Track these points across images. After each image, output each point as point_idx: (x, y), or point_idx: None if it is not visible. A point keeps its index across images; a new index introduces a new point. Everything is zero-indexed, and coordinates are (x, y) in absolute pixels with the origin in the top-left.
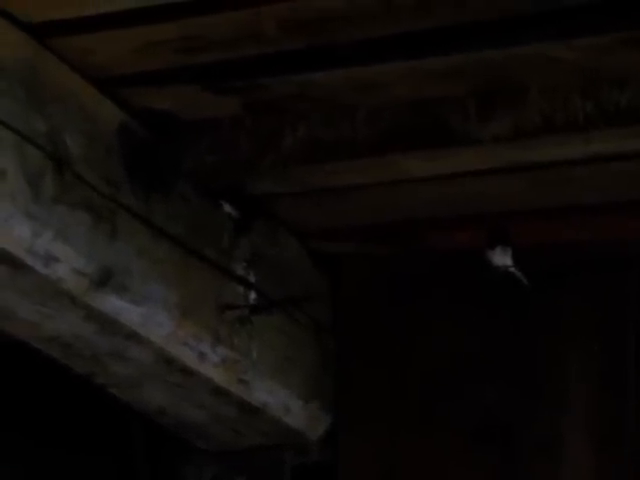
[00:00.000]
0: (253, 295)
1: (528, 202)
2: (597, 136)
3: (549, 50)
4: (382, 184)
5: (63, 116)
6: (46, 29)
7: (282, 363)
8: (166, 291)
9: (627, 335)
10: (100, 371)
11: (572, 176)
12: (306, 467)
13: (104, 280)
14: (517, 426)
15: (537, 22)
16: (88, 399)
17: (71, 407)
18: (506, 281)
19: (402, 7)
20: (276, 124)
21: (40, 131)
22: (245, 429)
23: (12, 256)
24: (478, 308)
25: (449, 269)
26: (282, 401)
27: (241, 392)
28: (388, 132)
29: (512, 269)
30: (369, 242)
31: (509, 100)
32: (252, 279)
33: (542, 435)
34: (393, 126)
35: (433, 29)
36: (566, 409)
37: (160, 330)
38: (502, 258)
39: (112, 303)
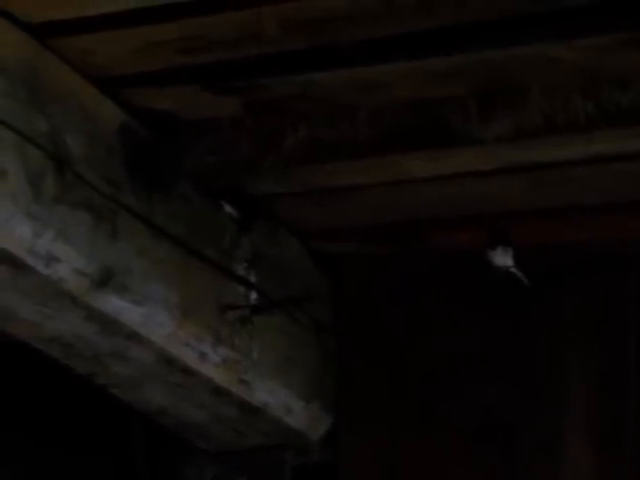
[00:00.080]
0: (254, 295)
1: (529, 202)
2: (598, 136)
3: (550, 50)
4: (383, 184)
5: (64, 116)
6: (47, 29)
7: (283, 363)
8: (167, 291)
9: (627, 335)
10: (101, 371)
11: (573, 176)
12: (307, 467)
13: (105, 280)
14: (517, 426)
15: (537, 22)
16: (89, 399)
17: (72, 407)
18: (507, 281)
19: (403, 7)
20: (277, 124)
21: (41, 131)
22: (246, 429)
23: (13, 256)
24: (479, 308)
25: (450, 269)
26: (283, 401)
27: (242, 392)
28: (389, 132)
29: (513, 269)
30: (370, 242)
31: (510, 100)
32: (253, 279)
33: (542, 435)
34: (394, 126)
35: (434, 29)
36: (566, 409)
37: (161, 330)
38: (503, 258)
39: (113, 303)
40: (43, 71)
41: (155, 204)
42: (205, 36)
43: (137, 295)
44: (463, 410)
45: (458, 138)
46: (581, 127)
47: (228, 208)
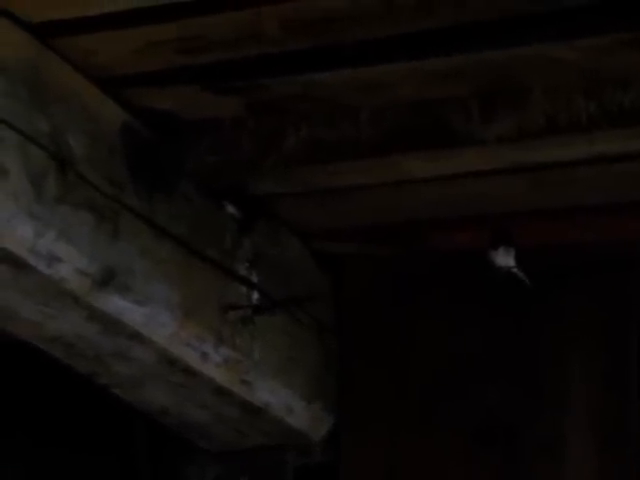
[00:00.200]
0: (256, 295)
1: (531, 203)
2: (600, 137)
3: (551, 51)
4: (385, 185)
5: (66, 116)
6: (48, 29)
7: (284, 363)
8: (169, 291)
9: (630, 335)
10: (103, 371)
11: (575, 177)
12: (308, 468)
13: (107, 280)
14: (519, 426)
15: (537, 22)
16: (91, 399)
17: (74, 407)
18: (509, 281)
19: (403, 7)
20: (278, 124)
21: (43, 131)
22: (247, 429)
23: (15, 256)
24: (480, 308)
25: (451, 269)
26: (284, 401)
27: (243, 392)
28: (391, 133)
29: (514, 269)
30: (371, 242)
31: (512, 101)
32: (255, 279)
33: (544, 435)
34: (395, 126)
35: (434, 29)
36: (569, 409)
37: (163, 330)
38: (505, 258)
39: (115, 303)
40: (45, 71)
41: (157, 204)
42: (205, 36)
43: (139, 295)
44: (465, 410)
45: (460, 138)
46: (583, 127)
47: (231, 208)
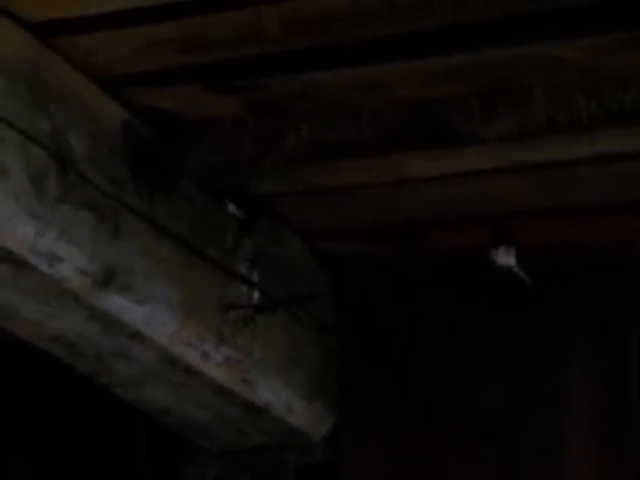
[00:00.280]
0: (256, 295)
1: (532, 202)
2: (601, 136)
3: (552, 50)
4: (385, 184)
5: (66, 115)
6: (48, 28)
7: (285, 363)
8: (169, 291)
9: (631, 335)
10: (103, 371)
11: (576, 176)
12: (309, 467)
13: (107, 279)
14: (520, 426)
15: (537, 22)
16: (91, 399)
17: (74, 406)
18: (509, 281)
19: (403, 7)
20: (279, 124)
21: (44, 130)
22: (248, 429)
23: (15, 255)
24: (481, 308)
25: (452, 269)
26: (285, 401)
27: (244, 392)
28: (391, 132)
29: (515, 269)
30: (372, 242)
31: (512, 100)
32: (255, 279)
33: (545, 435)
34: (396, 126)
35: (434, 29)
36: (569, 409)
37: (163, 330)
38: (506, 258)
39: (115, 303)
40: (45, 70)
41: (158, 203)
42: (206, 35)
43: (140, 294)
44: (465, 410)
45: (460, 138)
46: (584, 127)
47: (232, 208)
